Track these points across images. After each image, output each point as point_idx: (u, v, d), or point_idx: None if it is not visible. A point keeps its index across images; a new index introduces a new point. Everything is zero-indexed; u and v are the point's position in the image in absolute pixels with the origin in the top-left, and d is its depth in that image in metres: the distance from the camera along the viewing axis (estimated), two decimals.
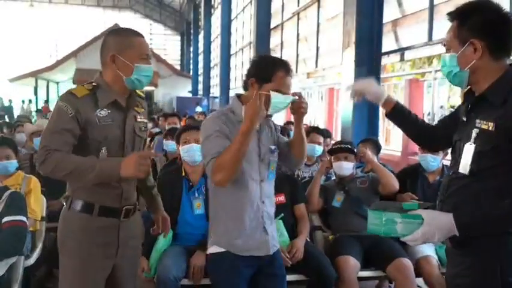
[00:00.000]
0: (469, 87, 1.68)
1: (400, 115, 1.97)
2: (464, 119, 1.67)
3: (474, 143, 1.58)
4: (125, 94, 2.02)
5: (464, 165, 1.61)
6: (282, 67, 2.01)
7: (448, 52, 1.65)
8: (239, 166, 1.92)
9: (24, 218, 2.71)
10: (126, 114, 2.01)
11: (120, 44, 1.96)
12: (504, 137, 1.49)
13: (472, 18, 1.58)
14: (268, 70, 2.00)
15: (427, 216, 1.55)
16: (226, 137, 1.96)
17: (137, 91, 2.09)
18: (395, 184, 3.19)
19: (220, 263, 2.08)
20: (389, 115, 1.97)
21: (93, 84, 1.96)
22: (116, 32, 2.04)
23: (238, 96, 2.14)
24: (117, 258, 2.02)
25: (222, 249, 2.06)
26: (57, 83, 24.28)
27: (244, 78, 2.12)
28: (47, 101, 23.06)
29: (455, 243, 1.64)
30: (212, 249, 2.09)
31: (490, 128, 1.52)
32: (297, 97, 2.04)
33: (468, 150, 1.60)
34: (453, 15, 1.63)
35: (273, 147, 2.15)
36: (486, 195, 1.55)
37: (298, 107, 2.06)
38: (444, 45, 1.67)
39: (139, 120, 2.09)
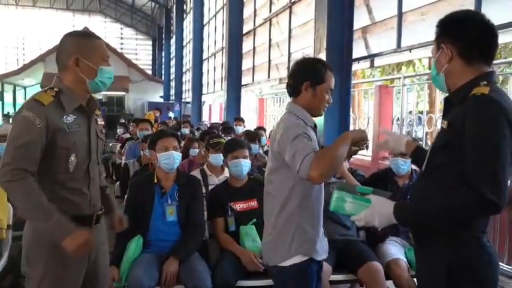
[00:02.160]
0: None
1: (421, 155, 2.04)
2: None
3: (433, 142, 1.67)
4: (85, 98, 2.00)
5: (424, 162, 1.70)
6: (328, 67, 2.13)
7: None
8: (334, 171, 2.03)
9: None
10: (90, 118, 2.00)
11: (83, 46, 1.93)
12: (454, 133, 1.53)
13: (446, 26, 1.65)
14: (320, 72, 2.09)
15: (374, 201, 1.65)
16: (311, 140, 1.98)
17: (92, 94, 2.07)
18: None
19: (306, 271, 2.07)
20: (413, 158, 2.08)
21: (55, 89, 1.91)
22: (75, 34, 1.99)
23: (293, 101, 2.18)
24: (89, 265, 2.00)
25: (306, 257, 2.06)
26: (25, 87, 23.70)
27: (291, 84, 2.16)
28: None
29: (415, 240, 1.73)
30: (296, 258, 2.05)
31: (445, 126, 1.59)
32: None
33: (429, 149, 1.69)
34: (436, 25, 1.68)
35: None
36: (433, 192, 1.60)
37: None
38: (432, 52, 1.74)
39: (99, 123, 2.10)
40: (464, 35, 1.60)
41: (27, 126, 1.80)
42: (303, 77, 2.10)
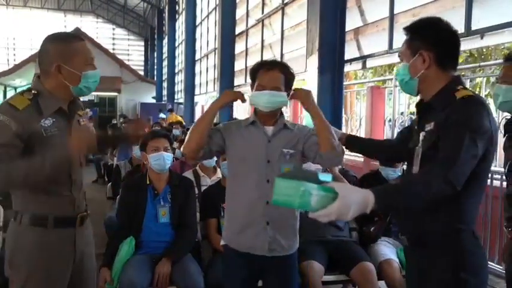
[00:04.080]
0: (420, 99, 1.78)
1: (355, 140, 2.22)
2: (416, 126, 1.78)
3: (421, 146, 1.68)
4: (68, 100, 1.94)
5: (415, 167, 1.71)
6: (262, 65, 2.22)
7: (402, 62, 1.75)
8: (196, 138, 2.11)
9: None
10: (70, 121, 1.94)
11: (64, 51, 1.85)
12: (442, 132, 1.58)
13: (423, 32, 1.69)
14: (253, 73, 2.23)
15: (341, 190, 1.37)
16: (218, 130, 2.21)
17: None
18: None
19: (226, 256, 2.28)
20: (346, 144, 2.18)
21: (33, 92, 1.85)
22: (56, 38, 1.90)
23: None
24: (74, 268, 1.97)
25: (225, 243, 2.26)
26: (16, 88, 23.51)
27: None
28: None
29: (414, 241, 1.73)
30: (222, 241, 2.30)
31: (432, 128, 1.63)
32: (283, 92, 2.15)
33: (418, 153, 1.70)
34: (407, 29, 1.73)
35: (285, 151, 2.17)
36: None
37: (295, 96, 2.21)
38: (399, 56, 1.77)
39: (82, 124, 2.03)
40: (442, 43, 1.66)
41: (2, 130, 1.74)
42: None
